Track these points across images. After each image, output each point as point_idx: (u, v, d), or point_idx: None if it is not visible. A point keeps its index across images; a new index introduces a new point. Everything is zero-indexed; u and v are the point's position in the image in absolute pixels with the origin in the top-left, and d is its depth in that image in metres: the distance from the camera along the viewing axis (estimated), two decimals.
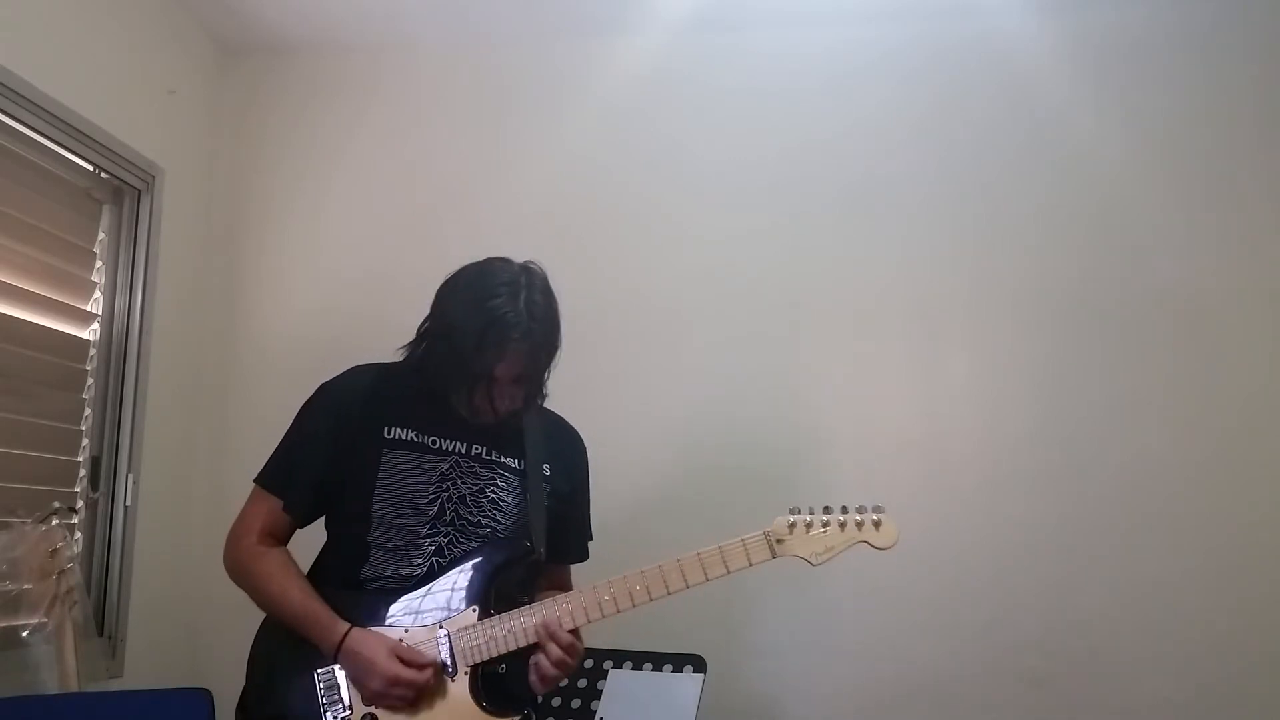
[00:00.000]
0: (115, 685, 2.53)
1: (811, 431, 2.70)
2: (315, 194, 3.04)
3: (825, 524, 1.75)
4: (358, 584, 1.73)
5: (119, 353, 2.66)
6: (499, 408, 1.74)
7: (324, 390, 1.85)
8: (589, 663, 2.20)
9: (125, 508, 2.63)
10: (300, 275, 3.02)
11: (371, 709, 1.66)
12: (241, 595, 2.91)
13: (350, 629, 1.68)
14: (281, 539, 1.82)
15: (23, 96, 2.29)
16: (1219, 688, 2.46)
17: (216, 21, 2.98)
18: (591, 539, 1.96)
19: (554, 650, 1.67)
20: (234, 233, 3.05)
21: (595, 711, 2.13)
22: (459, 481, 1.77)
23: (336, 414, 1.80)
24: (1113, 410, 2.62)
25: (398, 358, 1.82)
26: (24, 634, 2.05)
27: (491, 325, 1.69)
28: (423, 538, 1.73)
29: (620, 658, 2.19)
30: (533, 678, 1.70)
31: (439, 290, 1.81)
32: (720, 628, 2.58)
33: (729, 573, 1.72)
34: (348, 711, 1.67)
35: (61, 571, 2.06)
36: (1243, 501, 2.54)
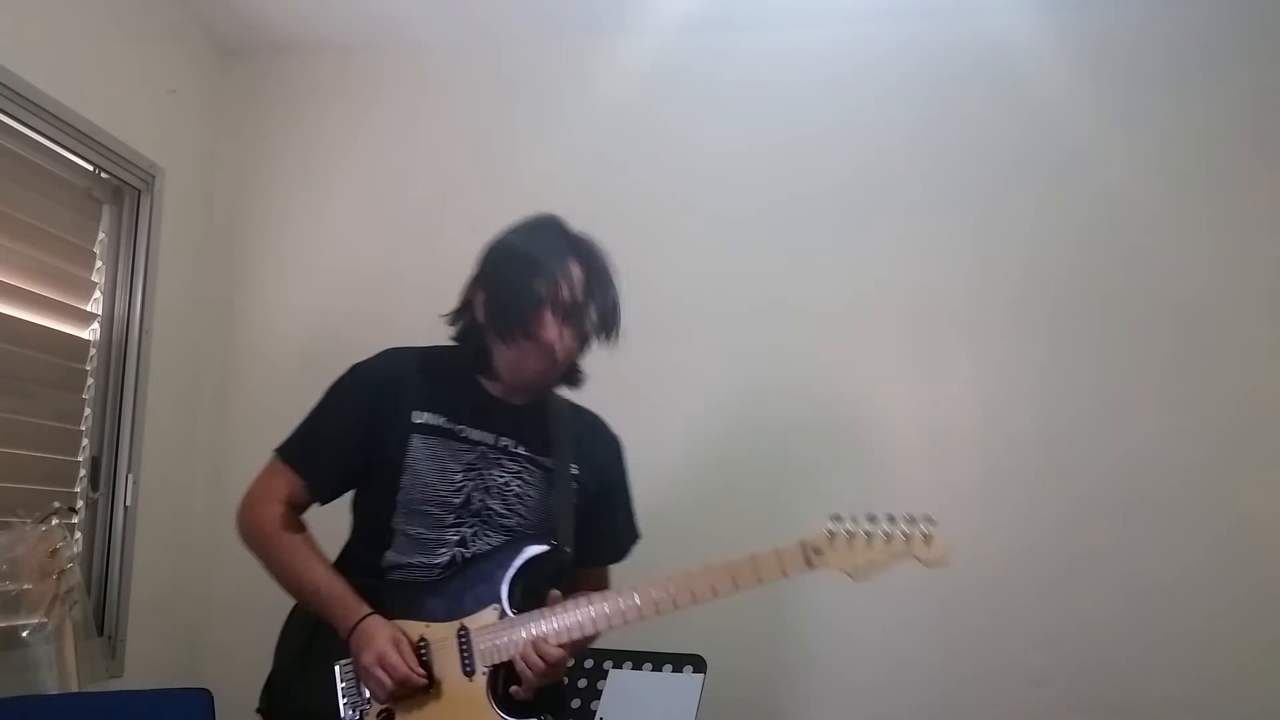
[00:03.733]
0: (115, 685, 2.53)
1: (810, 431, 2.70)
2: (315, 194, 3.04)
3: (869, 535, 1.61)
4: (380, 571, 1.71)
5: (119, 353, 2.66)
6: (566, 344, 1.71)
7: (355, 370, 1.82)
8: (589, 663, 2.20)
9: (125, 508, 2.63)
10: (300, 275, 3.02)
11: (389, 706, 1.63)
12: (243, 594, 2.93)
13: (370, 614, 1.64)
14: (301, 512, 1.78)
15: (23, 97, 2.29)
16: (1220, 687, 2.46)
17: (217, 21, 2.98)
18: (638, 537, 1.91)
19: (533, 665, 1.60)
20: (234, 233, 3.05)
21: (595, 711, 2.13)
22: (486, 473, 1.73)
23: (366, 394, 1.77)
24: (1112, 409, 2.62)
25: (443, 337, 1.80)
26: (24, 634, 2.05)
27: (553, 245, 1.75)
28: (447, 527, 1.70)
29: (620, 658, 2.19)
30: (514, 690, 1.64)
31: (486, 249, 1.82)
32: (720, 628, 2.58)
33: (760, 583, 1.61)
34: (366, 705, 1.65)
35: (61, 571, 2.06)
36: (1243, 500, 2.53)
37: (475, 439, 1.75)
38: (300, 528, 1.76)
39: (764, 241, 2.81)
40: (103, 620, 2.57)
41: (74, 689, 2.04)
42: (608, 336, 1.78)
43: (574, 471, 1.80)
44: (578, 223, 2.86)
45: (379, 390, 1.77)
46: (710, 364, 2.77)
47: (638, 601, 1.64)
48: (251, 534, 1.76)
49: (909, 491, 2.63)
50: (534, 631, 1.63)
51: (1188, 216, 2.67)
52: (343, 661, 1.67)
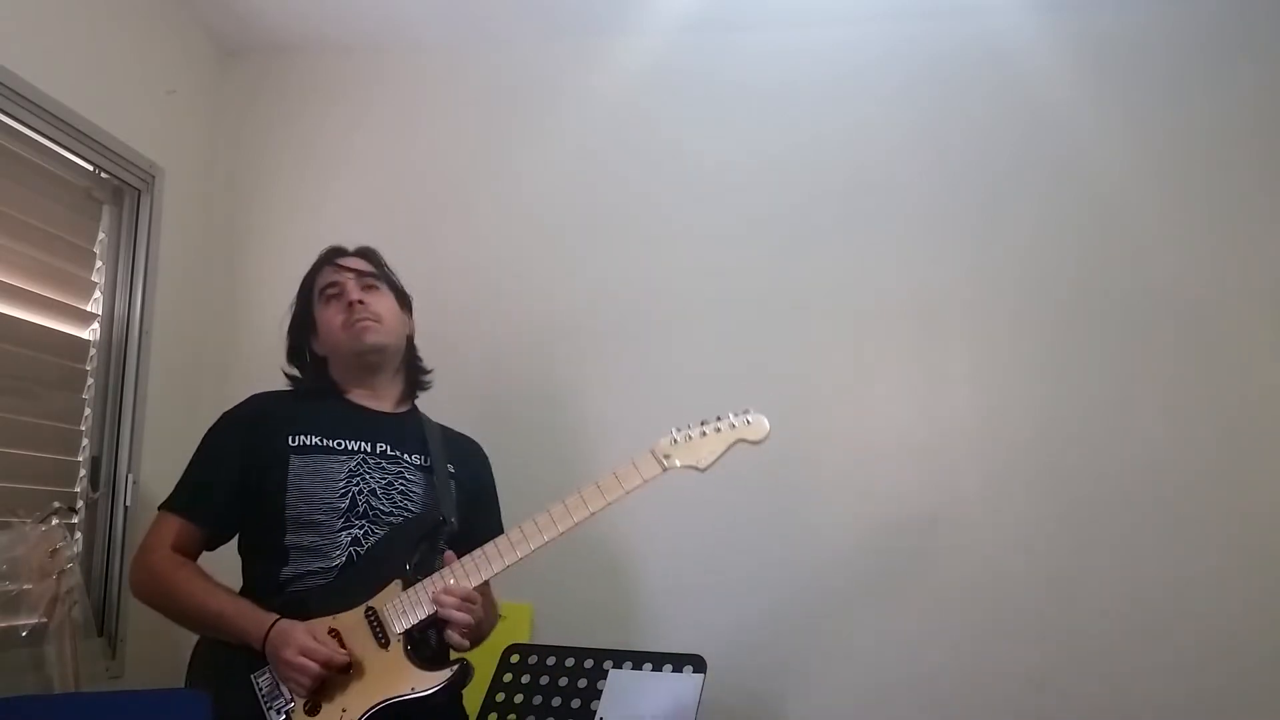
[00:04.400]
0: (115, 685, 2.53)
1: (811, 431, 2.70)
2: (316, 194, 3.04)
3: (704, 432, 1.87)
4: (279, 587, 1.78)
5: (119, 352, 2.66)
6: (354, 296, 1.95)
7: (225, 416, 1.97)
8: (589, 663, 2.20)
9: (125, 508, 2.63)
10: (300, 274, 3.00)
11: (311, 698, 1.68)
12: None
13: (278, 619, 1.71)
14: (192, 557, 1.86)
15: (23, 97, 2.29)
16: (1220, 688, 2.46)
17: (216, 21, 2.98)
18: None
19: (446, 603, 1.71)
20: (234, 233, 3.05)
21: (595, 711, 2.13)
22: (368, 476, 1.85)
23: (239, 432, 1.90)
24: (1112, 410, 2.62)
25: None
26: (24, 634, 2.05)
27: (317, 261, 2.05)
28: (338, 530, 1.79)
29: (620, 658, 2.18)
30: (447, 636, 1.74)
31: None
32: (720, 627, 2.58)
33: (626, 493, 1.81)
34: (290, 704, 1.69)
35: (61, 571, 2.05)
36: (1244, 501, 2.53)
37: (353, 449, 1.87)
38: (188, 561, 1.84)
39: (764, 242, 2.81)
40: (103, 620, 2.57)
41: (74, 689, 2.03)
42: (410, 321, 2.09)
43: (451, 470, 1.94)
44: (577, 223, 2.89)
45: (251, 425, 1.90)
46: (709, 364, 2.76)
47: (523, 531, 1.79)
48: (144, 583, 1.85)
49: (910, 492, 2.64)
50: (441, 583, 1.74)
51: (1189, 217, 2.67)
52: (256, 672, 1.72)
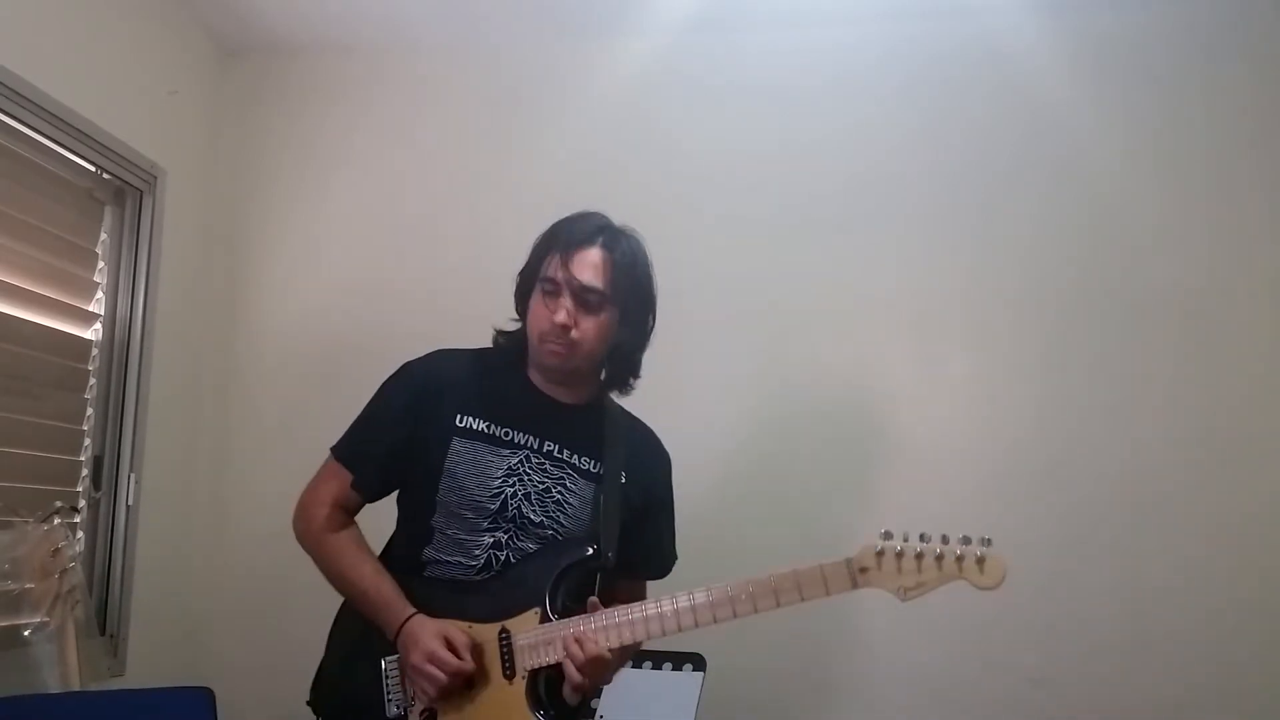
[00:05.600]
0: (117, 684, 2.53)
1: (810, 431, 2.70)
2: (316, 194, 3.04)
3: (920, 555, 1.52)
4: (419, 567, 1.72)
5: (121, 353, 2.66)
6: (559, 320, 1.68)
7: (405, 369, 1.83)
8: None
9: (127, 507, 2.64)
10: (301, 275, 3.02)
11: (432, 706, 1.64)
12: (244, 594, 2.94)
13: (415, 614, 1.65)
14: (351, 512, 1.81)
15: (24, 98, 2.30)
16: (1218, 687, 2.46)
17: (217, 22, 2.98)
18: (676, 559, 1.90)
19: (575, 658, 1.60)
20: (235, 233, 3.05)
21: (595, 709, 2.13)
22: (526, 477, 1.73)
23: (412, 395, 1.79)
24: (1111, 409, 2.62)
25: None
26: (26, 633, 2.06)
27: (566, 227, 1.76)
28: (482, 531, 1.71)
29: None
30: (565, 689, 1.64)
31: None
32: (720, 627, 2.58)
33: (802, 599, 1.57)
34: (410, 704, 1.66)
35: (63, 571, 2.07)
36: (1242, 500, 2.53)
37: (519, 442, 1.75)
38: (346, 526, 1.78)
39: (764, 242, 2.81)
40: (105, 619, 2.58)
41: (76, 688, 2.05)
42: (633, 332, 1.81)
43: (623, 479, 1.78)
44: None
45: (424, 392, 1.78)
46: (710, 365, 2.77)
47: (677, 608, 1.63)
48: (302, 538, 1.80)
49: (910, 491, 2.64)
50: (575, 630, 1.63)
51: (1188, 216, 2.67)
52: (388, 658, 1.68)
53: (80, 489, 2.55)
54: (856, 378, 2.73)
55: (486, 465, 1.72)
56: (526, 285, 1.79)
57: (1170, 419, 2.60)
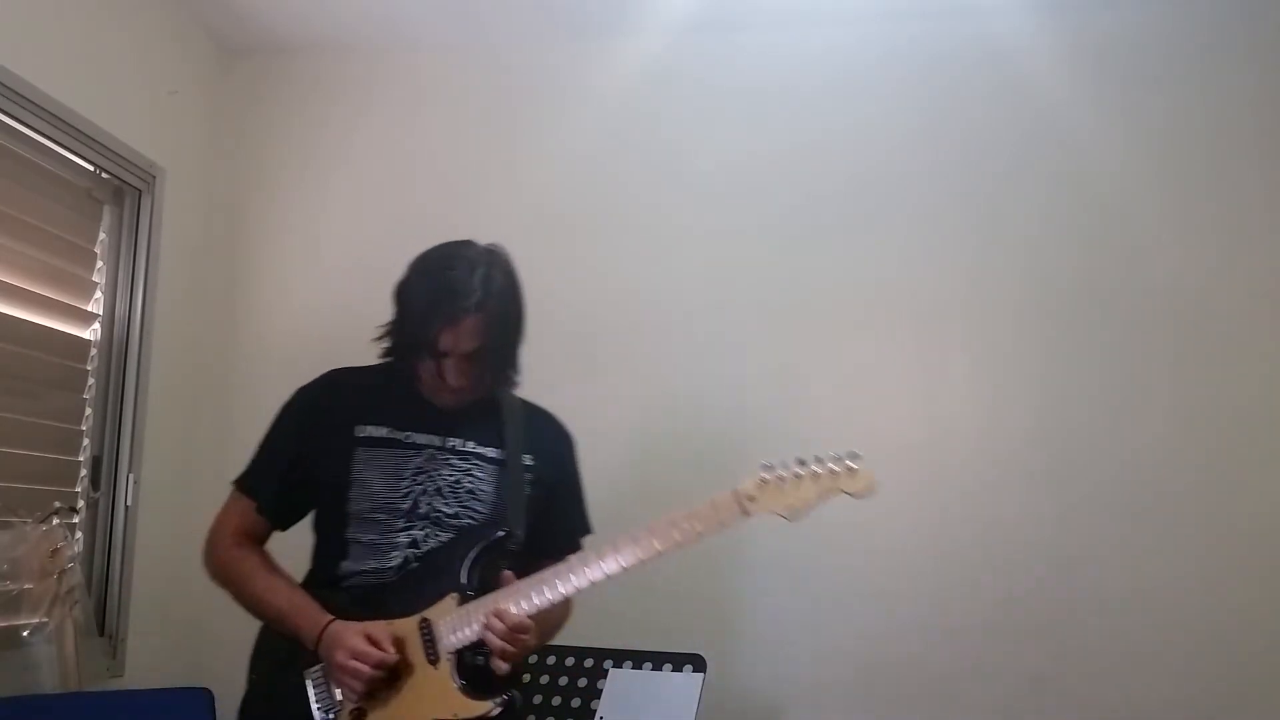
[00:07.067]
0: (116, 685, 2.53)
1: (811, 431, 2.70)
2: (316, 194, 3.04)
3: (798, 476, 1.66)
4: (337, 580, 1.75)
5: (120, 353, 2.66)
6: (451, 383, 1.73)
7: (298, 393, 1.88)
8: (589, 662, 2.21)
9: (126, 507, 2.63)
10: (301, 275, 3.02)
11: (360, 704, 1.65)
12: None
13: (332, 620, 1.68)
14: (259, 540, 1.83)
15: (24, 97, 2.30)
16: (1219, 687, 2.46)
17: (217, 22, 2.98)
18: (590, 533, 1.92)
19: (496, 630, 1.62)
20: (235, 233, 3.05)
21: (595, 711, 2.13)
22: (434, 474, 1.77)
23: (309, 415, 1.84)
24: (1112, 409, 2.62)
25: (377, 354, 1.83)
26: (25, 633, 2.06)
27: (442, 291, 1.71)
28: (398, 531, 1.74)
29: (620, 657, 2.19)
30: (492, 661, 1.66)
31: (406, 270, 1.82)
32: (720, 627, 2.58)
33: (700, 536, 1.64)
34: (337, 707, 1.67)
35: (62, 571, 2.07)
36: (1243, 500, 2.54)
37: (421, 443, 1.78)
38: (253, 548, 1.81)
39: (765, 242, 2.81)
40: (103, 620, 2.58)
41: (75, 688, 2.05)
42: (495, 381, 1.81)
43: (528, 462, 1.83)
44: (578, 222, 2.89)
45: (316, 410, 1.83)
46: (709, 364, 2.77)
47: (586, 566, 1.67)
48: (213, 569, 1.82)
49: (909, 491, 2.64)
50: (494, 606, 1.66)
51: (1188, 217, 2.67)
52: (311, 669, 1.70)
53: (79, 489, 2.54)
54: (856, 376, 2.73)
55: (393, 469, 1.76)
56: (406, 345, 1.77)
57: (1170, 419, 2.60)
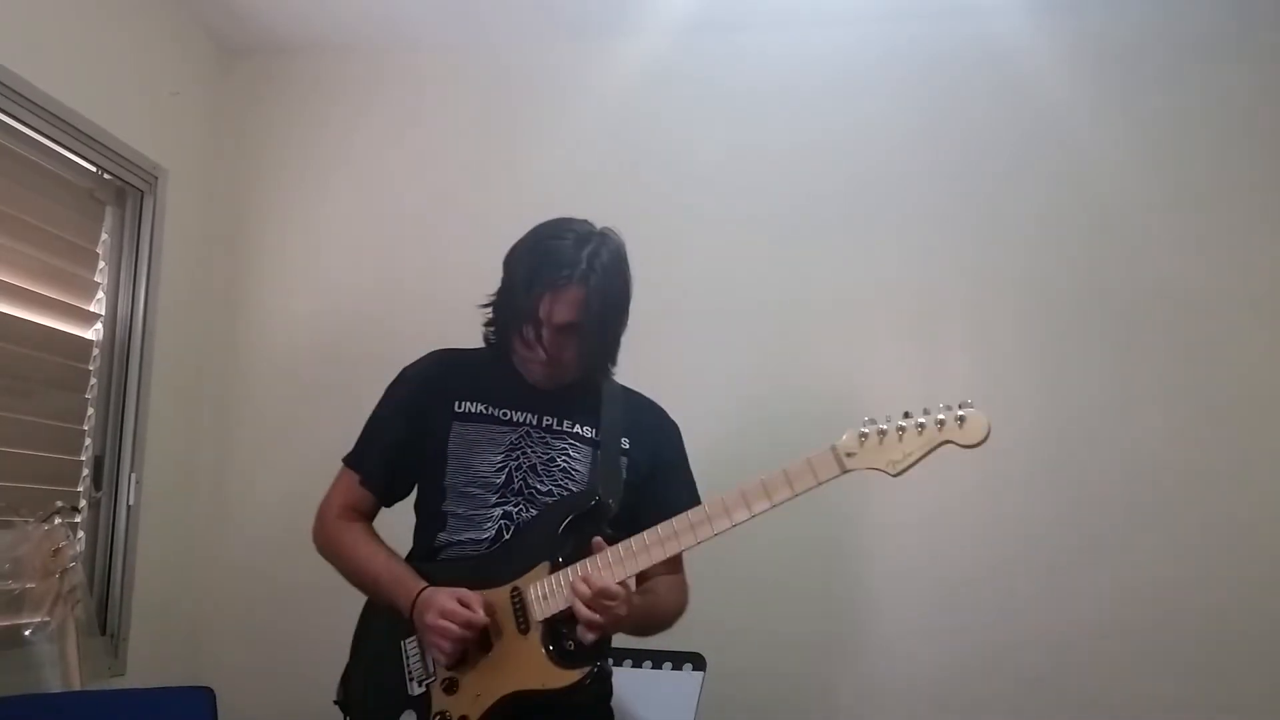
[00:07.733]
0: (117, 684, 2.53)
1: (811, 431, 2.69)
2: (317, 194, 3.05)
3: (901, 429, 1.58)
4: (435, 553, 1.77)
5: (122, 353, 2.66)
6: (546, 353, 1.73)
7: (401, 374, 1.92)
8: None
9: (128, 507, 2.64)
10: (302, 275, 3.02)
11: (452, 673, 1.66)
12: (245, 594, 2.94)
13: (425, 587, 1.69)
14: (365, 514, 1.86)
15: (25, 98, 2.30)
16: (1218, 686, 2.47)
17: (218, 22, 2.99)
18: None
19: (581, 594, 1.60)
20: (236, 233, 3.06)
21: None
22: (528, 450, 1.78)
23: (409, 393, 1.87)
24: (1112, 409, 2.62)
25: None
26: (27, 633, 2.06)
27: (546, 259, 1.73)
28: (492, 505, 1.75)
29: (620, 656, 2.19)
30: (579, 631, 1.64)
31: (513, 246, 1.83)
32: (720, 626, 2.58)
33: (795, 495, 1.60)
34: (431, 677, 1.68)
35: (64, 570, 2.07)
36: (1242, 499, 2.54)
37: (517, 420, 1.80)
38: (358, 521, 1.84)
39: (765, 242, 2.82)
40: (105, 619, 2.58)
41: (76, 687, 2.05)
42: (591, 364, 1.81)
43: (624, 446, 1.82)
44: None
45: (420, 389, 1.86)
46: (710, 365, 2.77)
47: (675, 529, 1.64)
48: (318, 543, 1.85)
49: (909, 489, 2.63)
50: (580, 571, 1.64)
51: (1186, 216, 2.67)
52: (408, 639, 1.71)
53: (81, 489, 2.55)
54: (856, 377, 2.73)
55: (487, 444, 1.78)
56: (507, 311, 1.80)
57: (1170, 417, 2.60)
